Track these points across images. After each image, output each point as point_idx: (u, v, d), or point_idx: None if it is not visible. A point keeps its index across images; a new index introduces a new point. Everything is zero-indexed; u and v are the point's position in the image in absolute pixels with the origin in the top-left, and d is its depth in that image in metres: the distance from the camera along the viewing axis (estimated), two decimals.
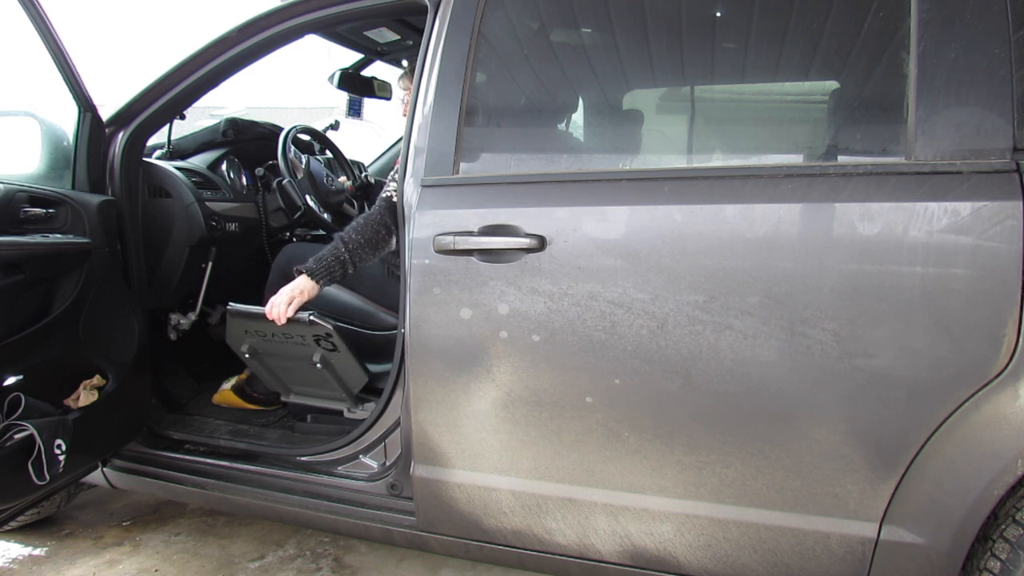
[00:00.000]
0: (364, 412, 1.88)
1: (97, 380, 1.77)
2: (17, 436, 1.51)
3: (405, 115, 2.03)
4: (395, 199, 1.76)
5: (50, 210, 1.73)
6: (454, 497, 1.52)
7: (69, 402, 1.71)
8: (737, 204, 1.27)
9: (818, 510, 1.27)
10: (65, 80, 1.78)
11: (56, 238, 1.70)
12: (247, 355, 1.92)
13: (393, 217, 1.76)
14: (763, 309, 1.24)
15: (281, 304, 1.71)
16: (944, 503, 1.20)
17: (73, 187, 1.84)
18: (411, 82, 1.96)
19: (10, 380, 1.59)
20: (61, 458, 1.57)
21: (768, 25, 1.43)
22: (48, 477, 1.54)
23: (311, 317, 1.75)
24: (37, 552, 2.12)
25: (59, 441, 1.57)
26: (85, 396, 1.73)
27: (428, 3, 1.57)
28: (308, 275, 1.75)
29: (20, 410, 1.52)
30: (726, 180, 1.30)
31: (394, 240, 1.79)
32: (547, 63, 1.65)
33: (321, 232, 2.63)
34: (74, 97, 1.82)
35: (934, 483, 1.20)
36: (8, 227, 1.62)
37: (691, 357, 1.29)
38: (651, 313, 1.30)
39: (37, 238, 1.66)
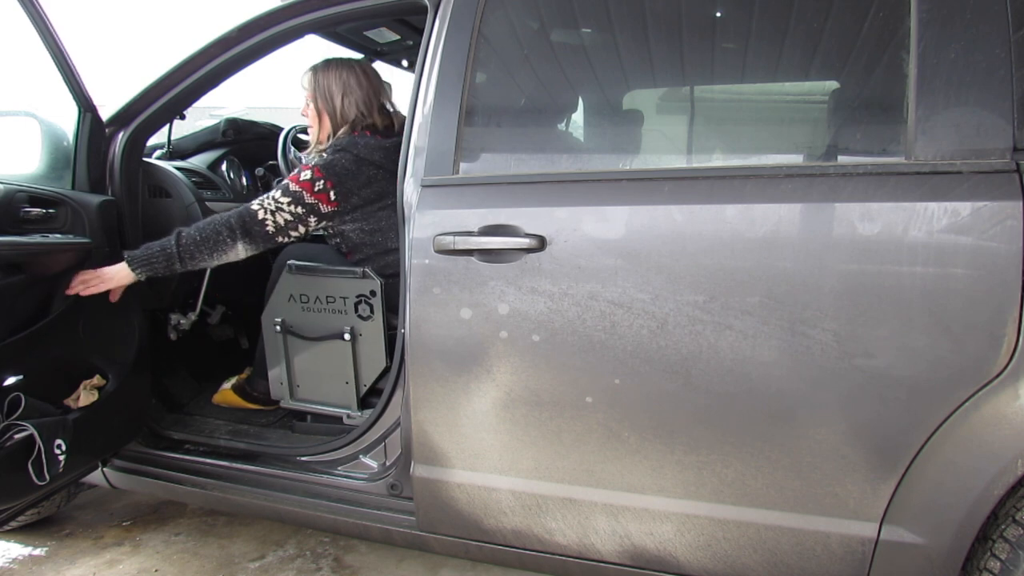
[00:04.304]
0: (363, 419, 1.88)
1: (97, 380, 1.77)
2: (17, 436, 1.51)
3: (304, 114, 1.98)
4: (256, 208, 1.74)
5: (50, 210, 1.73)
6: (454, 497, 1.52)
7: (69, 402, 1.71)
8: (737, 204, 1.27)
9: (818, 510, 1.27)
10: (65, 80, 1.78)
11: (56, 238, 1.70)
12: (277, 329, 1.93)
13: (243, 225, 1.73)
14: (763, 309, 1.24)
15: (87, 281, 1.69)
16: (944, 503, 1.20)
17: (73, 187, 1.84)
18: (313, 81, 1.93)
19: (10, 380, 1.59)
20: (61, 458, 1.57)
21: (768, 25, 1.43)
22: (48, 477, 1.54)
23: (365, 270, 1.81)
24: (37, 552, 2.12)
25: (59, 441, 1.57)
26: (85, 396, 1.73)
27: (428, 3, 1.57)
28: (128, 262, 1.72)
29: (20, 410, 1.52)
30: (726, 180, 1.30)
31: (240, 249, 1.75)
32: (547, 63, 1.65)
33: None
34: (74, 97, 1.82)
35: (934, 483, 1.20)
36: (8, 227, 1.62)
37: (691, 357, 1.29)
38: (651, 313, 1.30)
39: (36, 238, 1.66)
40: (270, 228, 1.76)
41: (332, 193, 1.80)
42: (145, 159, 2.09)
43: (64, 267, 1.71)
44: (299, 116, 2.12)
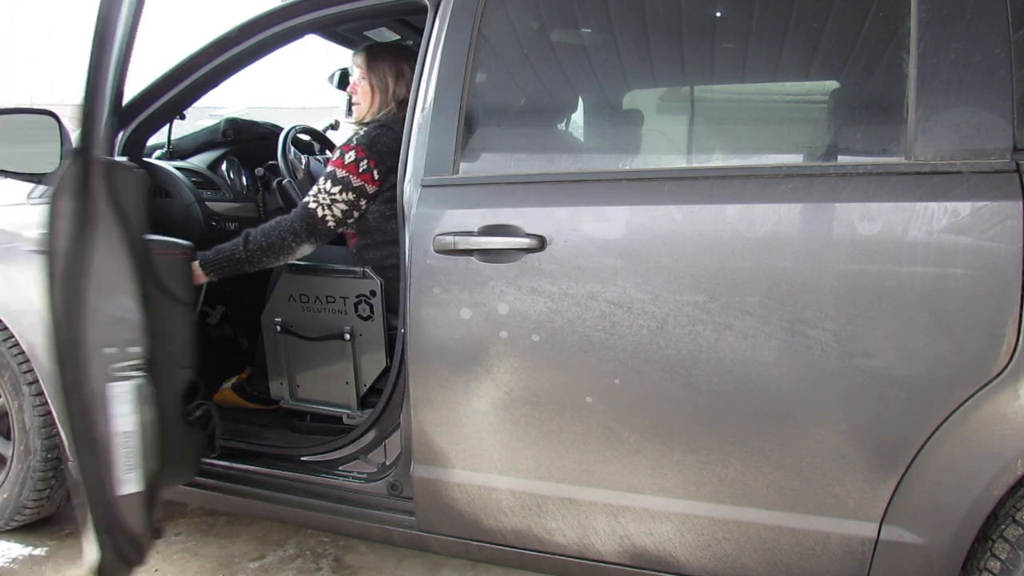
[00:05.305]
0: (363, 419, 1.88)
1: None
2: (198, 414, 1.69)
3: (352, 91, 2.02)
4: (313, 207, 1.78)
5: None
6: (454, 497, 1.52)
7: None
8: (737, 204, 1.27)
9: (818, 510, 1.27)
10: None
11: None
12: (278, 329, 1.93)
13: (306, 227, 1.77)
14: (763, 309, 1.24)
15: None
16: (944, 503, 1.20)
17: None
18: (369, 62, 1.98)
19: None
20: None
21: (768, 25, 1.43)
22: (217, 451, 1.77)
23: (365, 270, 1.82)
24: (37, 552, 2.12)
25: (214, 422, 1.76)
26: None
27: (428, 3, 1.57)
28: (201, 265, 1.78)
29: (201, 392, 1.69)
30: (726, 180, 1.30)
31: (306, 248, 1.80)
32: (547, 63, 1.65)
33: None
34: (110, 99, 1.80)
35: (934, 483, 1.20)
36: None
37: (691, 357, 1.29)
38: (651, 313, 1.30)
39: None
40: (331, 223, 1.80)
41: (375, 172, 1.81)
42: (145, 159, 2.08)
43: None
44: (299, 116, 2.13)
